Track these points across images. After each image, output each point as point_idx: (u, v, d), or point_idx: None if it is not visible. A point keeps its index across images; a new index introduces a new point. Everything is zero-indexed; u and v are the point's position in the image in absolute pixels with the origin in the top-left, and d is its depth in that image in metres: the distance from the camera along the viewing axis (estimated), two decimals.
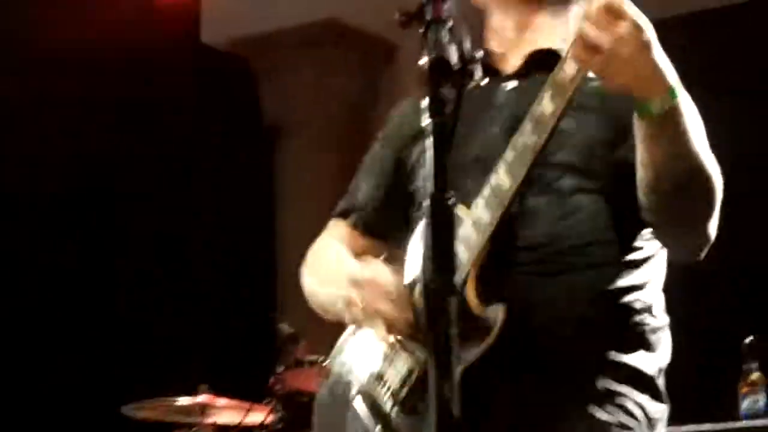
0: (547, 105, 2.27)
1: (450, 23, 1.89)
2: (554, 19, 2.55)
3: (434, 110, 1.81)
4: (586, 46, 2.18)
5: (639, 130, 2.26)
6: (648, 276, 2.46)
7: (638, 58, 2.17)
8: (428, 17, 1.89)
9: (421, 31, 1.89)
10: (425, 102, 1.83)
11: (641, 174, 2.30)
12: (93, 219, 7.91)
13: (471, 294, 2.32)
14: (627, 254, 2.43)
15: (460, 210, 2.32)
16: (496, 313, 2.29)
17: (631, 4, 2.18)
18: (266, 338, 6.31)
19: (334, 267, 2.61)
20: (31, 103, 7.43)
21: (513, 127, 2.37)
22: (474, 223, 2.35)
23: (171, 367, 7.26)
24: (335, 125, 7.38)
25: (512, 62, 2.55)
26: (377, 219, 2.67)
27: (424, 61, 1.84)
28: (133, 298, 7.78)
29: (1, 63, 7.16)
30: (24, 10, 7.05)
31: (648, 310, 2.45)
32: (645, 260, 2.46)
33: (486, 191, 2.35)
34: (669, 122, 2.22)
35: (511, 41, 2.56)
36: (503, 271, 2.37)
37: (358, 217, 2.69)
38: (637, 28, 2.17)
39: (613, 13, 2.15)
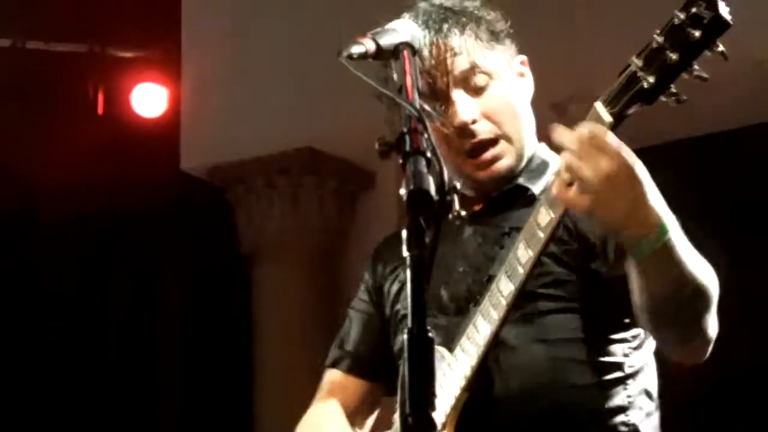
0: (522, 253, 2.23)
1: (429, 153, 1.86)
2: None
3: (413, 243, 1.77)
4: (570, 182, 2.09)
5: (631, 265, 2.19)
6: (633, 394, 2.39)
7: (628, 196, 2.07)
8: (407, 148, 1.87)
9: (400, 161, 1.87)
10: (404, 233, 1.79)
11: (636, 296, 2.23)
12: (65, 351, 7.81)
13: None
14: (607, 373, 2.37)
15: (439, 352, 2.28)
16: None
17: (614, 136, 2.08)
18: None
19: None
20: (11, 228, 7.40)
21: (479, 268, 2.38)
22: (453, 369, 2.32)
23: None
24: (313, 252, 7.36)
25: (480, 193, 2.50)
26: (370, 361, 2.63)
27: (403, 192, 1.81)
28: None
29: None
30: (9, 137, 7.06)
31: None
32: (629, 377, 2.40)
33: (463, 340, 2.33)
34: (661, 258, 2.13)
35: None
36: (484, 407, 2.33)
37: (351, 362, 2.65)
38: (625, 164, 2.06)
39: (596, 147, 2.06)
